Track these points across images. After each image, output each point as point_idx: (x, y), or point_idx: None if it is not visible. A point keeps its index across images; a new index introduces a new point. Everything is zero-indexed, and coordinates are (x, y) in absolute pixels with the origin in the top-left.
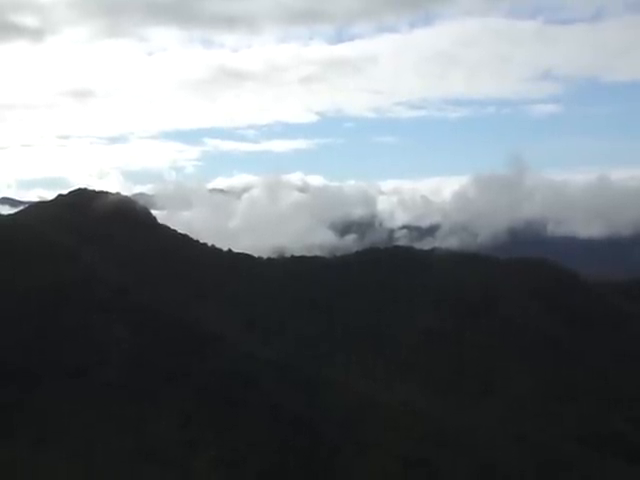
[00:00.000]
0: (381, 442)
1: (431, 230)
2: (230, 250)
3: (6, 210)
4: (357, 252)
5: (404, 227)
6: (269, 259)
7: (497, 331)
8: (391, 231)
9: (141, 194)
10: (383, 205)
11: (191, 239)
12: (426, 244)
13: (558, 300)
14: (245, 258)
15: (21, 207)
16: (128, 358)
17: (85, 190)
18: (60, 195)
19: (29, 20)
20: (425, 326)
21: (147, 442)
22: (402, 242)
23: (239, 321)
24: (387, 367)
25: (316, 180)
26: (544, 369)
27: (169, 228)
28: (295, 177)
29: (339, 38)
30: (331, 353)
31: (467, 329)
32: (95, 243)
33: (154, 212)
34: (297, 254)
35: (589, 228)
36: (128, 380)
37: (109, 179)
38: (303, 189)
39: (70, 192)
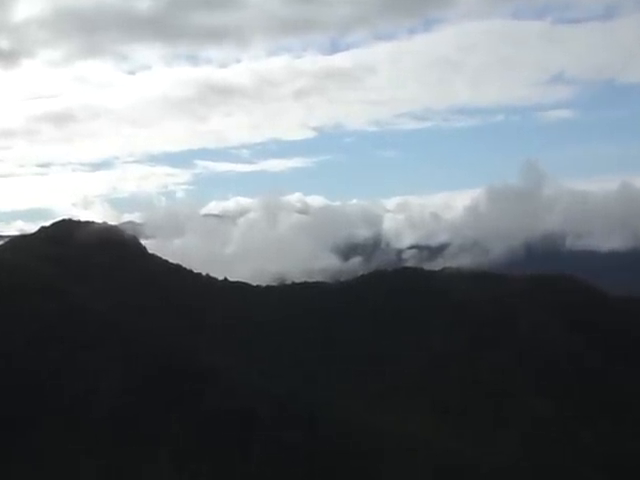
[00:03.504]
0: (388, 475)
1: (441, 249)
2: (226, 279)
3: None
4: (362, 276)
5: (412, 247)
6: (268, 287)
7: (513, 353)
8: (399, 252)
9: (129, 222)
10: (389, 224)
11: (184, 268)
12: (437, 264)
13: (579, 318)
14: (242, 287)
15: (1, 242)
16: (119, 395)
17: (69, 221)
18: (43, 227)
19: (2, 43)
20: (436, 350)
21: None
22: (411, 263)
23: (237, 353)
24: (395, 395)
25: (316, 200)
26: (563, 391)
27: (160, 258)
28: (294, 198)
29: (334, 48)
30: (336, 382)
31: (481, 351)
32: (81, 276)
33: (144, 241)
34: (298, 280)
35: (611, 240)
36: (120, 418)
37: (94, 208)
38: (303, 210)
39: (53, 223)
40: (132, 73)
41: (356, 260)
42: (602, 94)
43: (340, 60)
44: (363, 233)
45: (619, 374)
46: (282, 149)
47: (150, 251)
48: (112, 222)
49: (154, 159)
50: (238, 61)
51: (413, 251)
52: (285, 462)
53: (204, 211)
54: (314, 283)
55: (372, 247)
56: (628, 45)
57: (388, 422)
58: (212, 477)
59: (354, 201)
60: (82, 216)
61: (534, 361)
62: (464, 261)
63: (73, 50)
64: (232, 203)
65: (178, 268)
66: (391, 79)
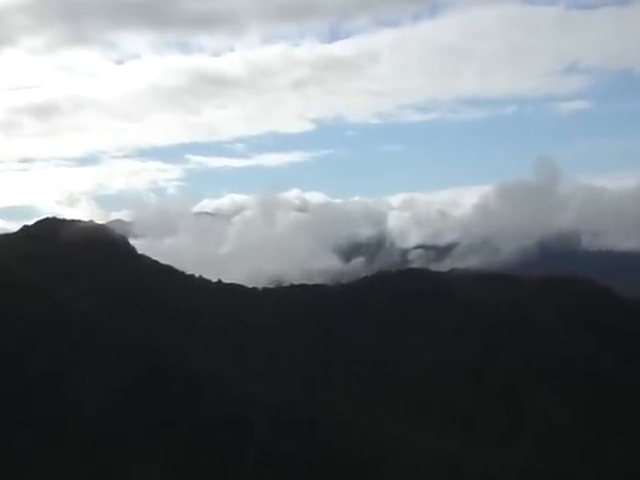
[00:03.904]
0: None
1: (449, 248)
2: (220, 281)
3: None
4: (365, 277)
5: (419, 247)
6: (265, 289)
7: (525, 357)
8: (404, 252)
9: (117, 221)
10: (394, 223)
11: (176, 270)
12: (444, 265)
13: (594, 320)
14: (238, 289)
15: None
16: (107, 405)
17: (53, 219)
18: (25, 226)
19: None
20: (444, 355)
21: None
22: (417, 264)
23: (231, 358)
24: (401, 404)
25: (316, 197)
26: (579, 399)
27: (150, 258)
28: (292, 195)
29: (334, 35)
30: (337, 390)
31: (491, 356)
32: (67, 277)
33: (133, 241)
34: (297, 282)
35: (628, 239)
36: (108, 430)
37: (80, 205)
38: (302, 208)
39: (36, 222)
40: (120, 62)
41: (358, 261)
42: (619, 84)
43: (340, 48)
44: (366, 232)
45: (634, 377)
46: (279, 143)
47: (139, 251)
48: (99, 221)
49: (143, 154)
50: (232, 49)
51: (419, 251)
52: (283, 470)
53: (197, 209)
54: (314, 285)
55: (375, 247)
56: None
57: (393, 429)
58: None
59: (356, 198)
60: (67, 214)
61: (547, 365)
62: (473, 261)
63: (57, 38)
64: (226, 200)
65: (169, 269)
66: (395, 68)
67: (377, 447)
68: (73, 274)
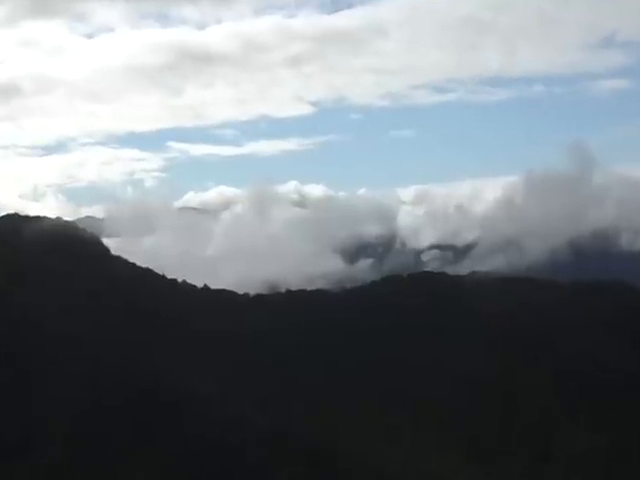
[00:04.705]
0: None
1: (468, 249)
2: (206, 286)
3: None
4: (373, 282)
5: (434, 247)
6: (258, 296)
7: (555, 375)
8: (417, 253)
9: (89, 218)
10: (405, 219)
11: (155, 273)
12: (463, 267)
13: (636, 332)
14: (226, 295)
15: None
16: (79, 428)
17: (16, 215)
18: None
19: None
20: (462, 371)
21: None
22: (432, 266)
23: (219, 375)
24: (414, 428)
25: (316, 191)
26: (618, 422)
27: (126, 260)
28: (289, 188)
29: (335, 5)
30: (340, 411)
31: (516, 372)
32: (31, 282)
33: (106, 240)
34: (294, 287)
35: None
36: (79, 457)
37: (46, 200)
38: (300, 203)
39: None
40: (90, 36)
41: (365, 263)
42: None
43: (343, 20)
44: (373, 230)
45: None
46: (274, 128)
47: (114, 252)
48: (68, 217)
49: (118, 141)
50: (219, 21)
51: (434, 252)
52: None
53: (179, 204)
54: (314, 291)
55: (384, 247)
56: None
57: (404, 458)
58: None
59: (362, 191)
60: (31, 210)
61: (579, 382)
62: (496, 263)
63: (18, 8)
64: (214, 194)
65: (148, 273)
66: (405, 43)
67: (381, 475)
68: (38, 278)
